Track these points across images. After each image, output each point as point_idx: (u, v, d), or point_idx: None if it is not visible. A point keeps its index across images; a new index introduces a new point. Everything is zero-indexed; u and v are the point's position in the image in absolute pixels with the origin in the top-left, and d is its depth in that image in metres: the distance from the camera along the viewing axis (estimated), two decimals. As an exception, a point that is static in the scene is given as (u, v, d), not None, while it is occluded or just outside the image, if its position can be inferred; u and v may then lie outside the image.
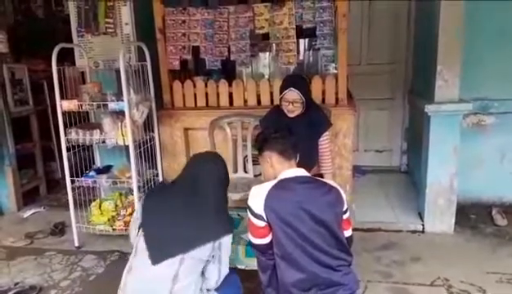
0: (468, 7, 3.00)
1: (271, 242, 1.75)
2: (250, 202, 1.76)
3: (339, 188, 1.81)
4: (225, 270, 1.80)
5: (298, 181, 1.76)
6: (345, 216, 1.80)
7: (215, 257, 1.73)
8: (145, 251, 1.68)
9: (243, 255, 2.06)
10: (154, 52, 3.41)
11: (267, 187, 1.74)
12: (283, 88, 2.58)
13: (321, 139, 2.65)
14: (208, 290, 1.80)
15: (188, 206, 1.72)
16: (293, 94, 2.52)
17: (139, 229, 1.76)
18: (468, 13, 3.01)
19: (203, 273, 1.77)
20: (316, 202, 1.71)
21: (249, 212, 1.77)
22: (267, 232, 1.74)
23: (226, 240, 1.74)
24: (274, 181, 1.78)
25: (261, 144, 1.90)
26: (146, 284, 1.67)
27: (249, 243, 1.83)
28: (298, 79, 2.74)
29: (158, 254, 1.66)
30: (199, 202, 1.73)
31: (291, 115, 2.57)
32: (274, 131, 1.90)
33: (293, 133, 1.91)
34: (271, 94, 3.35)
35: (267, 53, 3.77)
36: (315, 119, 2.62)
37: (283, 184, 1.75)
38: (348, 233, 1.83)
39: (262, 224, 1.73)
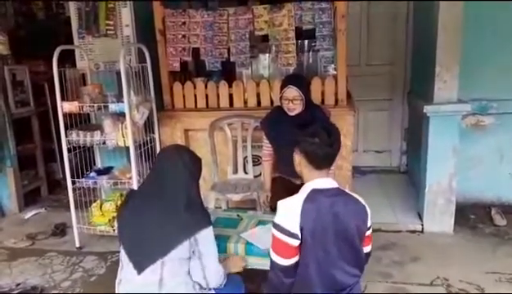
0: (466, 8, 3.01)
1: (297, 261, 1.63)
2: (282, 222, 1.60)
3: (364, 202, 1.72)
4: (212, 264, 1.73)
5: (328, 195, 1.65)
6: (368, 233, 1.72)
7: (195, 253, 1.69)
8: (128, 263, 1.69)
9: (243, 254, 2.07)
10: (154, 54, 3.43)
11: (298, 203, 1.61)
12: (283, 86, 2.60)
13: None
14: (209, 288, 1.79)
15: (159, 207, 1.68)
16: (292, 91, 2.53)
17: (120, 242, 1.76)
18: (466, 14, 3.03)
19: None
20: (342, 216, 1.62)
21: (278, 233, 1.60)
22: (298, 250, 1.61)
23: (203, 234, 1.67)
24: (303, 195, 1.64)
25: (298, 142, 1.74)
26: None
27: (273, 265, 1.66)
28: (298, 77, 2.76)
29: (140, 262, 1.66)
30: (169, 199, 1.68)
31: (291, 113, 2.58)
32: (312, 133, 1.69)
33: (333, 141, 1.70)
34: (271, 95, 3.37)
35: (267, 54, 3.78)
36: (317, 120, 2.61)
37: (313, 197, 1.62)
38: (367, 249, 1.76)
39: (296, 243, 1.59)
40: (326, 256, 1.61)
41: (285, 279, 1.64)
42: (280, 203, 1.66)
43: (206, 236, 1.69)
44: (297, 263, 1.63)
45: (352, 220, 1.63)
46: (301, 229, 1.57)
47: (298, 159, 1.72)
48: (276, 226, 1.62)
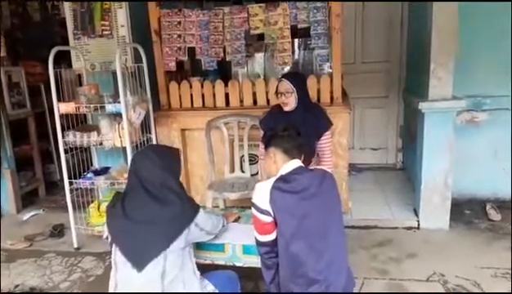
0: (460, 5, 3.03)
1: (276, 238, 1.79)
2: (255, 199, 1.79)
3: (330, 171, 1.96)
4: (210, 226, 1.91)
5: (298, 172, 1.83)
6: None
7: (194, 233, 1.79)
8: (125, 263, 1.69)
9: (240, 252, 2.09)
10: (150, 54, 3.44)
11: (269, 182, 1.79)
12: (278, 82, 2.63)
13: (322, 138, 2.66)
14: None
15: (148, 204, 1.71)
16: (284, 84, 2.55)
17: (111, 246, 1.77)
18: (460, 11, 3.04)
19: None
20: (316, 188, 1.78)
21: (254, 210, 1.80)
22: (273, 227, 1.78)
23: (199, 217, 1.79)
24: (276, 177, 1.83)
25: (268, 139, 1.96)
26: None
27: (256, 242, 1.86)
28: (292, 73, 2.79)
29: (140, 260, 1.67)
30: (158, 196, 1.72)
31: (286, 108, 2.59)
32: (283, 129, 1.94)
33: (300, 134, 1.95)
34: (267, 94, 3.38)
35: (263, 53, 3.80)
36: (316, 119, 2.62)
37: (285, 178, 1.80)
38: None
39: (268, 219, 1.76)
40: (308, 231, 1.73)
41: (264, 255, 1.84)
42: (257, 185, 1.85)
43: (201, 218, 1.81)
44: (274, 242, 1.80)
45: (327, 192, 1.82)
46: (271, 206, 1.74)
47: (273, 157, 1.90)
48: (252, 204, 1.81)
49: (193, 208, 1.79)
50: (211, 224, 1.92)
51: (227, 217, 2.29)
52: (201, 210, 1.82)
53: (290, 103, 2.57)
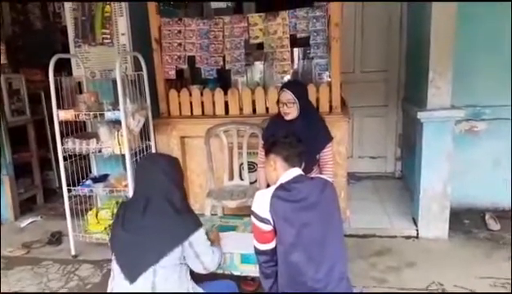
0: (459, 14, 3.05)
1: (275, 247, 1.79)
2: (255, 208, 1.79)
3: (326, 177, 1.99)
4: (208, 259, 1.82)
5: (298, 181, 1.82)
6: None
7: (189, 256, 1.74)
8: (120, 274, 1.71)
9: (238, 261, 2.08)
10: (150, 62, 3.46)
11: (270, 190, 1.79)
12: (279, 91, 2.63)
13: (324, 150, 2.67)
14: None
15: (146, 216, 1.70)
16: (286, 94, 2.56)
17: (112, 253, 1.78)
18: (459, 20, 3.06)
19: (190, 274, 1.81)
20: (316, 197, 1.78)
21: (253, 218, 1.79)
22: (273, 236, 1.78)
23: (196, 236, 1.73)
24: (276, 185, 1.83)
25: (269, 146, 1.96)
26: None
27: (255, 250, 1.85)
28: (294, 82, 2.79)
29: (132, 272, 1.68)
30: (154, 208, 1.71)
31: (287, 118, 2.59)
32: (284, 136, 1.94)
33: (301, 141, 1.95)
34: (266, 102, 3.39)
35: (262, 62, 3.82)
36: (317, 129, 2.63)
37: (285, 186, 1.80)
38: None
39: (268, 228, 1.76)
40: (308, 238, 1.73)
41: (264, 264, 1.84)
42: (257, 193, 1.85)
43: (198, 238, 1.75)
44: (273, 251, 1.80)
45: (327, 201, 1.82)
46: (271, 214, 1.74)
47: (273, 164, 1.89)
48: (252, 212, 1.80)
49: (189, 227, 1.73)
50: (210, 256, 1.84)
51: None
52: (200, 231, 1.76)
53: (292, 112, 2.58)
